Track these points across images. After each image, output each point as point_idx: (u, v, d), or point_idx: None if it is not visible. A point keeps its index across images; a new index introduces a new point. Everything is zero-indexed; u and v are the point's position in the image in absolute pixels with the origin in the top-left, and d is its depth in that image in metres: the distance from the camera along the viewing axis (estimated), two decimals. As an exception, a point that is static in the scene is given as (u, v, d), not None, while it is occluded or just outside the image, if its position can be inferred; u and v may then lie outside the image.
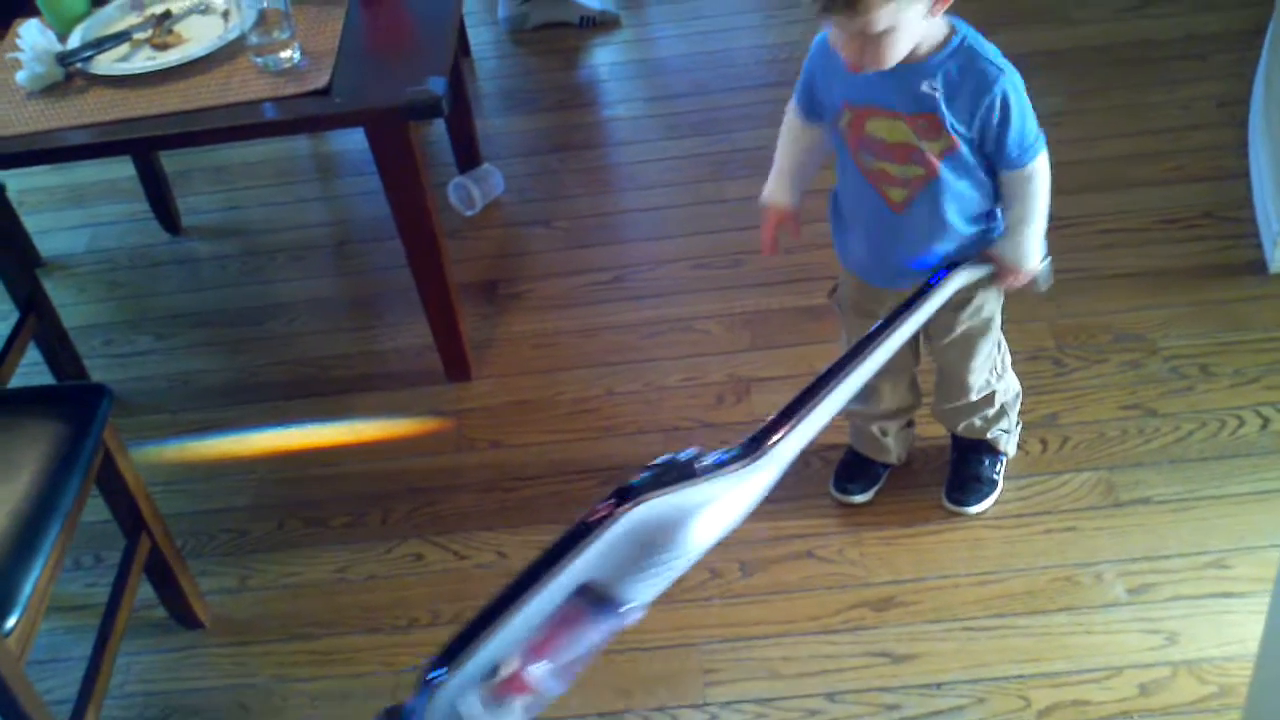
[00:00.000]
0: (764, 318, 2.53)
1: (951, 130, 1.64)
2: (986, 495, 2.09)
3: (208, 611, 2.13)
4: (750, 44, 3.34)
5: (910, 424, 2.12)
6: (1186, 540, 2.01)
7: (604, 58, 3.42)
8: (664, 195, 2.90)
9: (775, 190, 1.87)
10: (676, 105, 3.17)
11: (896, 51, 1.53)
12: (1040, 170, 1.69)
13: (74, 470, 1.75)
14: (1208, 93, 2.91)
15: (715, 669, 1.95)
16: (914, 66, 1.59)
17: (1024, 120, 1.63)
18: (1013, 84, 1.61)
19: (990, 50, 1.61)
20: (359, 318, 2.71)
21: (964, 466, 2.10)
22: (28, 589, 1.62)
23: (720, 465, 1.52)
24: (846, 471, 2.14)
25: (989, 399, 2.00)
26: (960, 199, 1.72)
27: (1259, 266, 2.45)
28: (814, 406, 1.60)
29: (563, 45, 3.46)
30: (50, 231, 3.03)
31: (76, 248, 3.00)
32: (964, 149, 1.66)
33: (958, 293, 1.83)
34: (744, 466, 1.53)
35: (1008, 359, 2.01)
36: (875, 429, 2.07)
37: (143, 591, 2.05)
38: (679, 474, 1.48)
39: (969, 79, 1.60)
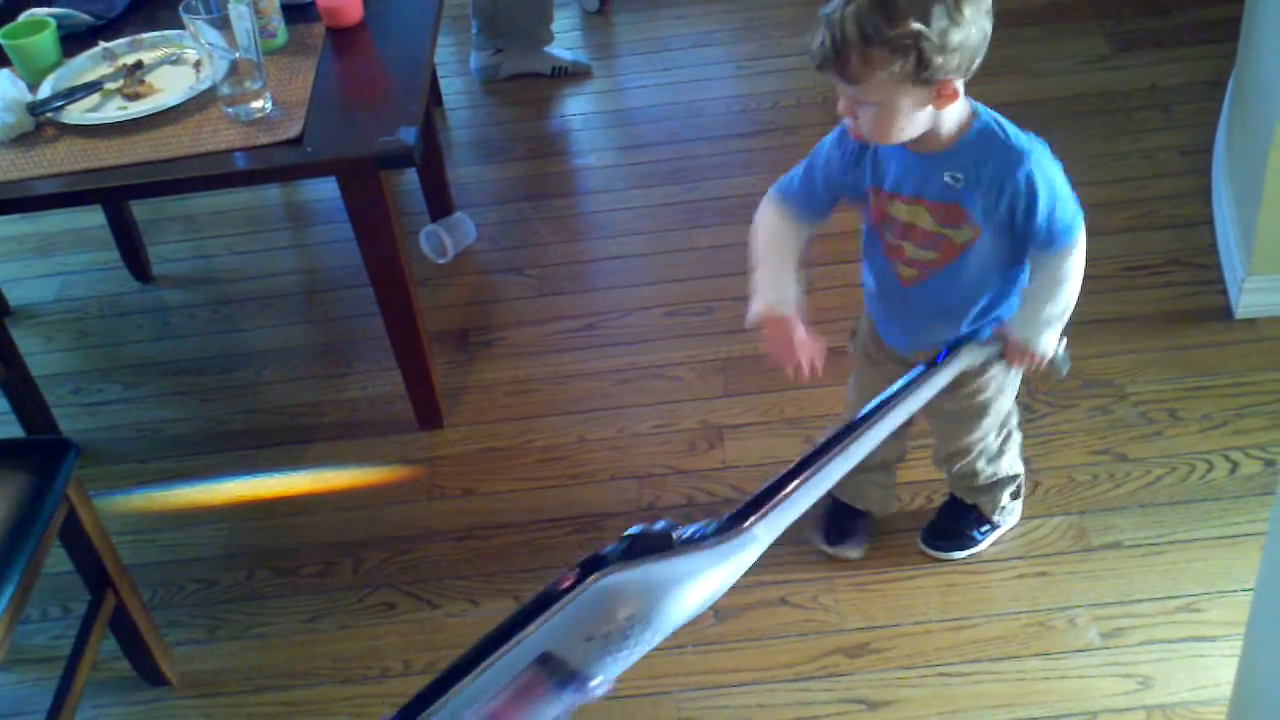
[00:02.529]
0: (736, 364, 2.54)
1: (975, 221, 1.61)
2: (964, 549, 2.09)
3: (175, 669, 2.09)
4: (721, 94, 3.38)
5: (895, 471, 2.12)
6: (1158, 584, 2.02)
7: (576, 107, 3.45)
8: (636, 243, 2.91)
9: (773, 299, 1.67)
10: (648, 154, 3.19)
11: (893, 130, 1.51)
12: (1074, 254, 1.64)
13: (33, 528, 1.72)
14: (1171, 142, 2.95)
15: (691, 718, 1.93)
16: (937, 155, 1.58)
17: (1054, 201, 1.58)
18: (1039, 164, 1.56)
19: (1012, 132, 1.58)
20: (330, 366, 2.70)
21: (953, 518, 2.10)
22: (-19, 647, 1.60)
23: (696, 541, 1.45)
24: (835, 524, 2.12)
25: (988, 477, 1.99)
26: (966, 291, 1.70)
27: (1225, 312, 2.48)
28: (800, 487, 1.52)
29: (535, 95, 3.49)
30: (19, 280, 3.02)
31: (46, 296, 2.98)
32: (987, 238, 1.63)
33: (972, 379, 1.80)
34: (721, 544, 1.46)
35: (1014, 443, 1.98)
36: (865, 481, 2.07)
37: (111, 643, 2.02)
38: (652, 546, 1.43)
39: (991, 167, 1.57)
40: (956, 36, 1.44)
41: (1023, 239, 1.63)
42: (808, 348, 1.67)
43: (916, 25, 1.41)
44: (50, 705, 1.82)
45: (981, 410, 1.87)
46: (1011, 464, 2.03)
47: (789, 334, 1.66)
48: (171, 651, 2.10)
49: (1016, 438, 2.00)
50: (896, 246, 1.70)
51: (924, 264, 1.69)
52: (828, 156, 1.69)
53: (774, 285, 1.67)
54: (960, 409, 1.86)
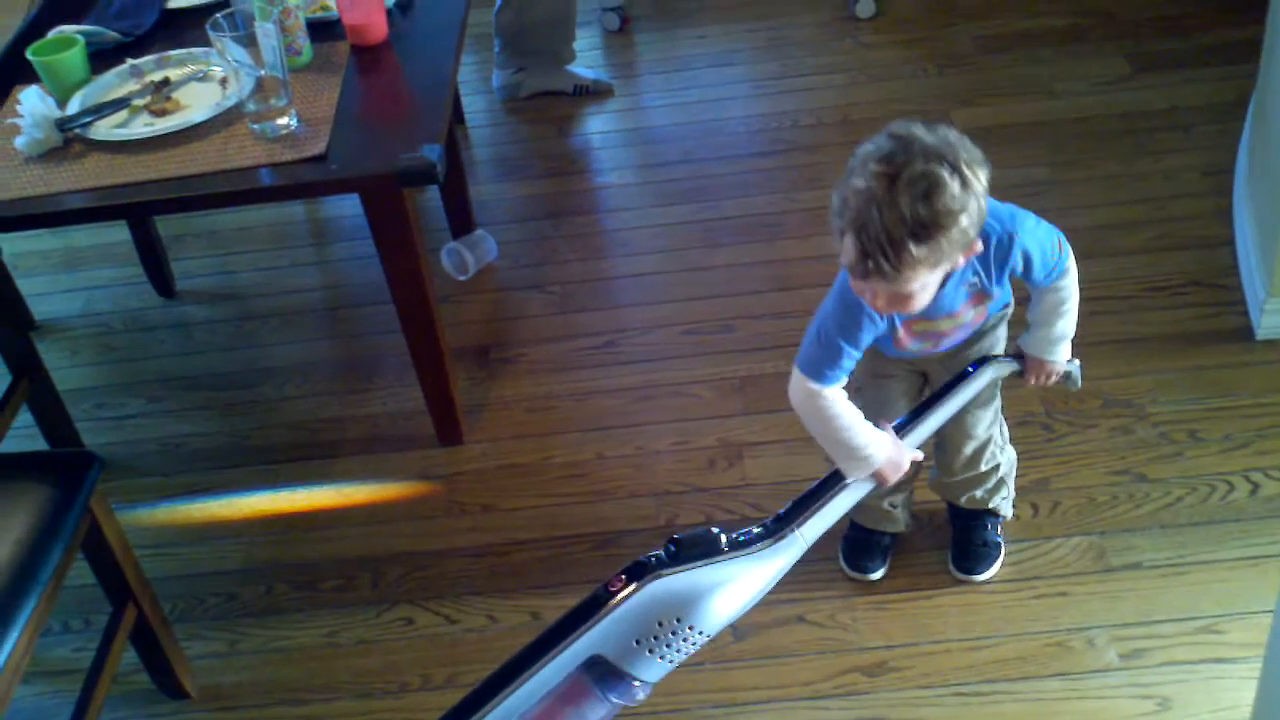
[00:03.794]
0: (755, 382, 2.54)
1: (995, 292, 1.70)
2: (994, 560, 2.10)
3: (194, 682, 2.10)
4: (741, 114, 3.39)
5: (911, 490, 2.13)
6: (1178, 605, 2.01)
7: (597, 126, 3.46)
8: (655, 261, 2.92)
9: (878, 437, 1.69)
10: (668, 173, 3.21)
11: (925, 300, 1.55)
12: (1069, 279, 1.71)
13: (57, 540, 1.74)
14: (1192, 163, 2.95)
15: (707, 735, 1.94)
16: (955, 274, 1.61)
17: (1043, 251, 1.65)
18: (1022, 231, 1.62)
19: (995, 214, 1.60)
20: (351, 381, 2.71)
21: (969, 534, 2.10)
22: (1, 659, 1.60)
23: (744, 544, 1.52)
24: (859, 549, 2.13)
25: (993, 470, 2.01)
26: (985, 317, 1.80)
27: (1246, 333, 2.48)
28: (839, 491, 1.61)
29: (556, 113, 3.51)
30: (45, 295, 3.05)
31: (71, 311, 3.01)
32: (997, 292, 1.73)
33: (979, 353, 1.85)
34: (765, 547, 1.53)
35: (1006, 432, 2.03)
36: (885, 504, 2.07)
37: (132, 655, 2.03)
38: (702, 550, 1.49)
39: (995, 253, 1.63)
40: (978, 205, 1.47)
41: (1026, 280, 1.72)
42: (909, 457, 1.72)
43: (953, 230, 1.44)
44: (70, 717, 1.83)
45: (990, 396, 1.93)
46: (1009, 450, 2.06)
47: (902, 454, 1.70)
48: (191, 665, 2.11)
49: (1005, 423, 2.03)
50: (927, 347, 1.77)
51: (952, 341, 1.79)
52: (862, 338, 1.67)
53: (872, 435, 1.67)
54: (974, 399, 1.88)
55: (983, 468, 2.00)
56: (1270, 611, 1.96)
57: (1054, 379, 1.83)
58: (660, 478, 2.37)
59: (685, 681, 2.00)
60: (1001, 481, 2.04)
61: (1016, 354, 1.82)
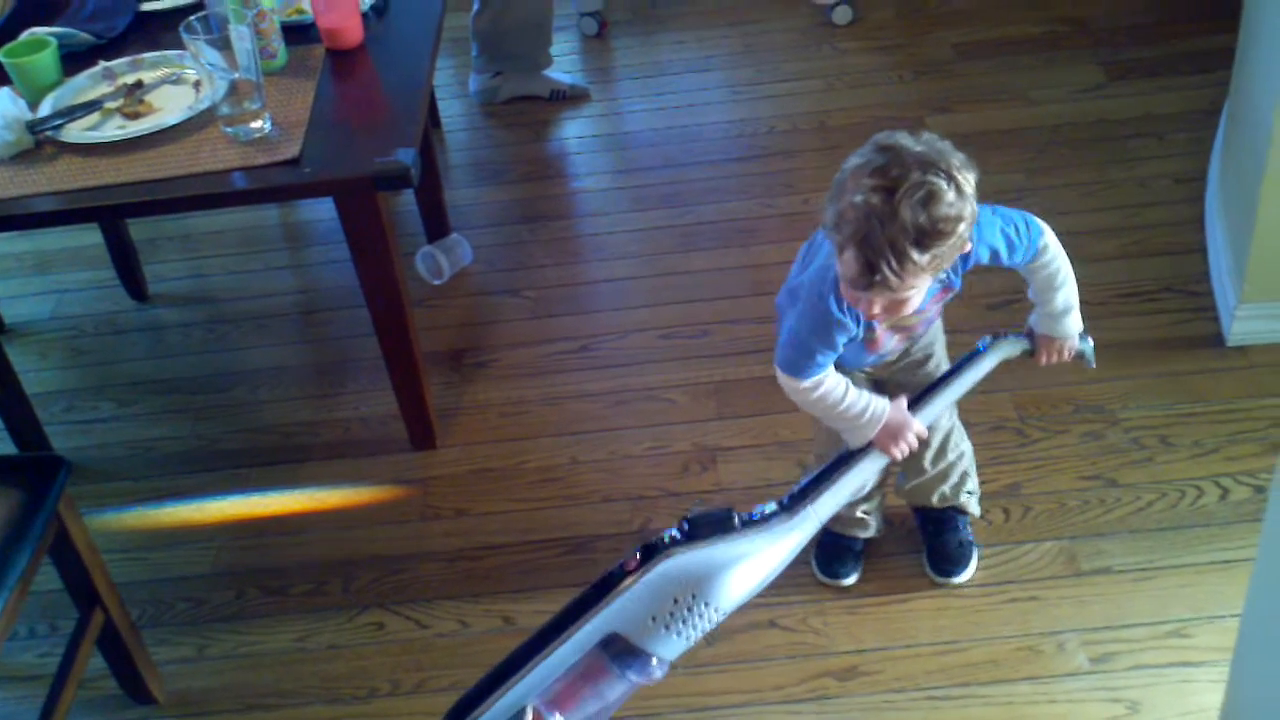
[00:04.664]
0: (730, 387, 2.54)
1: (958, 285, 1.72)
2: (969, 561, 2.10)
3: (162, 688, 2.09)
4: (718, 119, 3.39)
5: (884, 494, 2.13)
6: (1147, 610, 2.02)
7: (573, 131, 3.46)
8: (631, 266, 2.92)
9: (875, 399, 1.73)
10: (644, 178, 3.21)
11: (918, 302, 1.58)
12: (1050, 252, 1.73)
13: (24, 545, 1.72)
14: (1165, 170, 2.96)
15: (678, 740, 1.94)
16: None
17: (1007, 237, 1.67)
18: (986, 228, 1.64)
19: None
20: (324, 385, 2.70)
21: (942, 536, 2.11)
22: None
23: (759, 521, 1.56)
24: (831, 555, 2.13)
25: (959, 459, 2.03)
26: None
27: (1217, 339, 2.49)
28: (851, 467, 1.64)
29: (533, 118, 3.50)
30: (15, 298, 3.02)
31: (41, 314, 2.98)
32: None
33: (920, 351, 1.89)
34: (780, 523, 1.57)
35: (959, 421, 2.05)
36: (858, 511, 2.08)
37: (99, 661, 2.02)
38: (716, 528, 1.52)
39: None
40: (972, 209, 1.50)
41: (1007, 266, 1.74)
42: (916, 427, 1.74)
43: (954, 236, 1.47)
44: (37, 723, 1.82)
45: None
46: (967, 441, 2.06)
47: (908, 419, 1.73)
48: (159, 670, 2.10)
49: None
50: (895, 342, 1.81)
51: (914, 332, 1.82)
52: (837, 340, 1.69)
53: (874, 401, 1.72)
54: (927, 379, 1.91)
55: (950, 457, 2.01)
56: (1238, 616, 1.97)
57: (1067, 355, 1.84)
58: (634, 482, 2.37)
59: (656, 686, 1.98)
60: (965, 474, 2.05)
61: (1027, 333, 1.84)
